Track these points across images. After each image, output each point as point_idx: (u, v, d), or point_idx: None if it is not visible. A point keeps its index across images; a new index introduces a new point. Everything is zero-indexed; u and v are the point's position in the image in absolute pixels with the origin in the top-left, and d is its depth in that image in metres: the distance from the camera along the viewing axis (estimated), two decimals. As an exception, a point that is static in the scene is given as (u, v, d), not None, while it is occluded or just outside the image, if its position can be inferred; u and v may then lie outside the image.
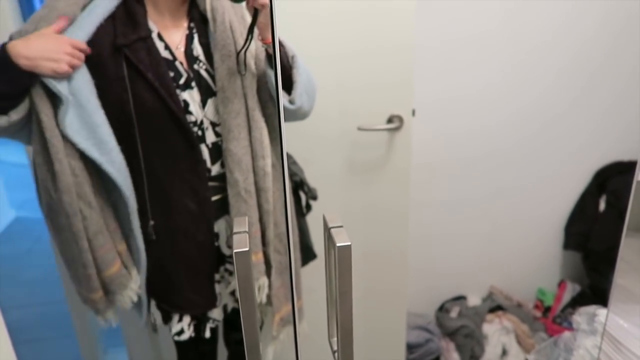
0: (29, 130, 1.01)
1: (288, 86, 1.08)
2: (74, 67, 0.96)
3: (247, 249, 0.67)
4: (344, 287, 0.70)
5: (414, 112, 1.56)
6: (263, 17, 0.98)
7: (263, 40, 1.02)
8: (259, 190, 1.09)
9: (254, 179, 1.08)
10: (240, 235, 0.70)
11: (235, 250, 0.67)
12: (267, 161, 1.08)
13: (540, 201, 1.98)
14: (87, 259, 1.07)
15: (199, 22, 1.07)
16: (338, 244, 0.67)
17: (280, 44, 1.07)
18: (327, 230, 0.72)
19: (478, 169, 1.91)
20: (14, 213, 3.52)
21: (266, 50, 1.05)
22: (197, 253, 1.15)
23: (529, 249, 2.05)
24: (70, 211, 1.03)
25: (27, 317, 2.35)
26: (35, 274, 2.79)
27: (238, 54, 1.03)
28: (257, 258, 1.10)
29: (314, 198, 1.24)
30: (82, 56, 0.96)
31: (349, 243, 0.67)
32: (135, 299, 1.16)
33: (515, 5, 1.73)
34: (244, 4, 1.04)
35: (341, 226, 0.71)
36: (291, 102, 1.06)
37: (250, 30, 1.00)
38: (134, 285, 1.15)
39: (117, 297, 1.15)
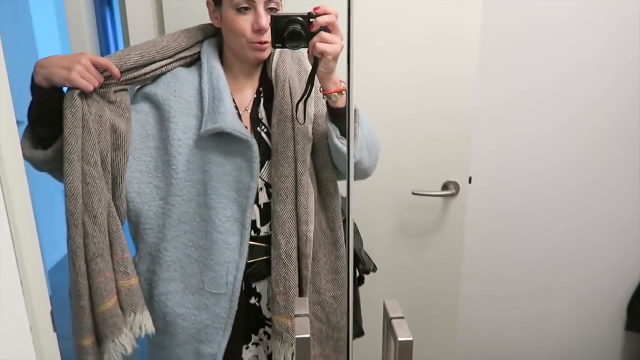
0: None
1: None
2: (88, 80, 0.94)
3: (308, 335, 0.67)
4: (403, 381, 0.68)
5: (470, 180, 1.54)
6: (323, 66, 0.94)
7: (324, 92, 0.99)
8: (300, 256, 1.08)
9: (296, 243, 1.07)
10: (301, 318, 0.70)
11: (297, 336, 0.67)
12: (310, 227, 1.07)
13: (601, 278, 1.89)
14: (82, 286, 0.97)
15: (268, 86, 1.11)
16: (400, 339, 0.66)
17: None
18: (387, 320, 0.71)
19: (535, 241, 1.86)
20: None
21: (327, 104, 1.02)
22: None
23: (588, 328, 1.95)
24: (72, 221, 0.96)
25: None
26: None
27: (298, 104, 1.03)
28: (292, 324, 1.07)
29: (367, 272, 1.21)
30: (96, 72, 0.96)
31: (412, 339, 0.66)
32: (129, 350, 1.02)
33: (568, 58, 1.71)
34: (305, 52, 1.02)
35: (402, 317, 0.70)
36: None
37: (311, 80, 0.98)
38: (130, 334, 1.03)
39: (109, 347, 1.01)
